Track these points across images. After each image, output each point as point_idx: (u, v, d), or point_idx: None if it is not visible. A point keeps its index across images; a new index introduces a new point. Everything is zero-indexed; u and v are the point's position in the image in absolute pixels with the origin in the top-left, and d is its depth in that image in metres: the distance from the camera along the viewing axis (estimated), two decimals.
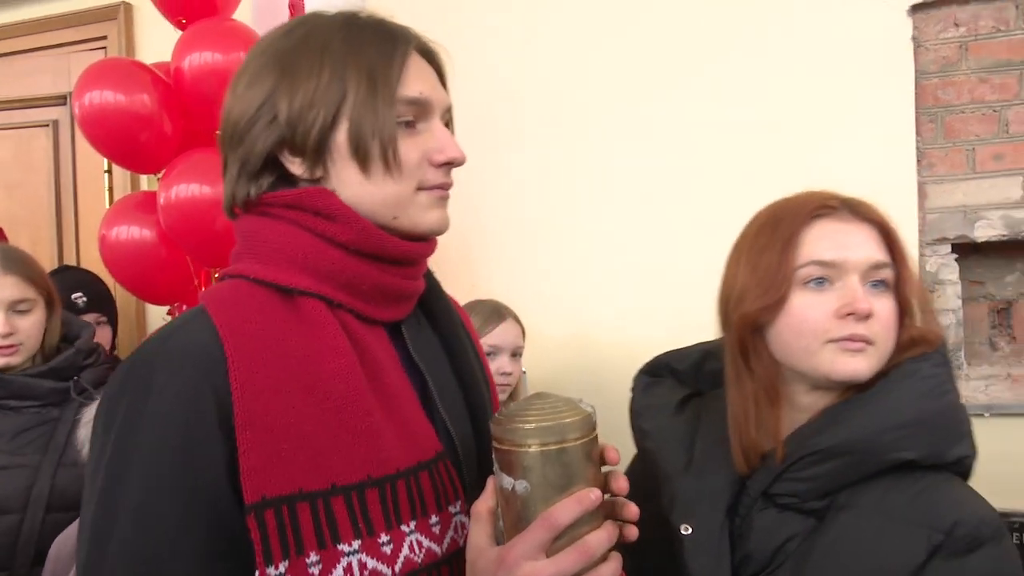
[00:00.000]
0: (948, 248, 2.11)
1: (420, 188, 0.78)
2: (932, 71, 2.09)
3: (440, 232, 0.81)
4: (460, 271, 2.37)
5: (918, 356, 0.89)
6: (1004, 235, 2.05)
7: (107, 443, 0.67)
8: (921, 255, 2.10)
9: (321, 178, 0.77)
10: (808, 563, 0.83)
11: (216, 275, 2.01)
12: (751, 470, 0.91)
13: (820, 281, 0.89)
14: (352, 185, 0.76)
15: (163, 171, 2.03)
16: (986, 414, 2.03)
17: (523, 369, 1.94)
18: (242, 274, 0.77)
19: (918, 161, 2.10)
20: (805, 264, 0.90)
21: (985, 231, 2.07)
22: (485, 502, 0.70)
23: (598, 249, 2.29)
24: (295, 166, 0.77)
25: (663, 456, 0.97)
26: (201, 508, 0.66)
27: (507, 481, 0.68)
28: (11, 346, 1.63)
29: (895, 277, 0.91)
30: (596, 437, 0.70)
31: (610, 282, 2.27)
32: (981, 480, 2.03)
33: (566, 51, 2.34)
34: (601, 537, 0.67)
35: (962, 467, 0.88)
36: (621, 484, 0.71)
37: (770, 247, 0.92)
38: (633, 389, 1.07)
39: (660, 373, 1.08)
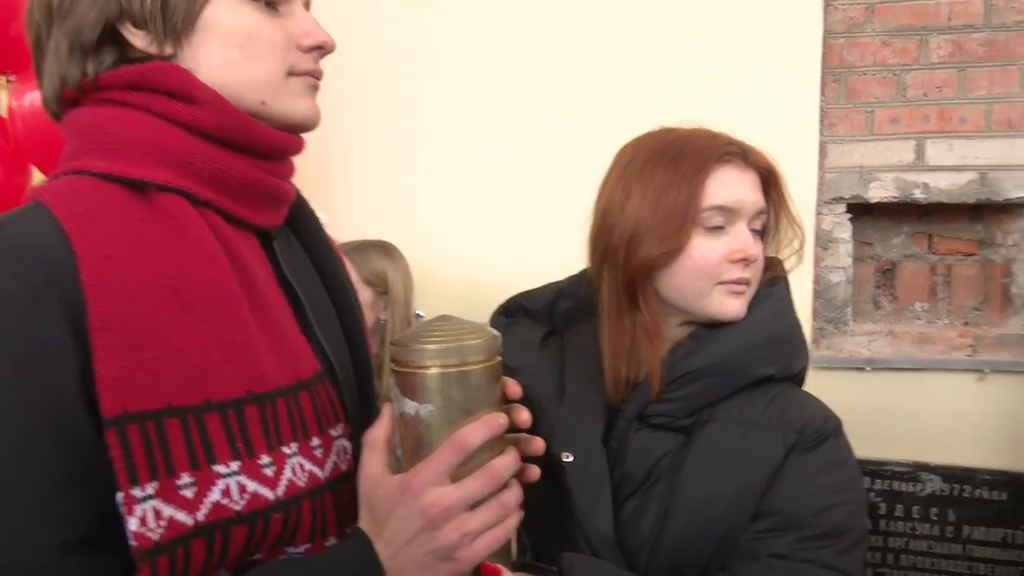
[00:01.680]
0: (843, 208, 2.17)
1: (291, 73, 0.70)
2: (839, 31, 2.12)
3: (312, 125, 0.73)
4: (343, 210, 2.28)
5: (769, 281, 0.96)
6: (895, 197, 2.12)
7: None
8: (818, 213, 2.16)
9: (172, 56, 0.67)
10: (682, 473, 0.89)
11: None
12: (623, 398, 0.94)
13: (718, 224, 0.91)
14: (213, 63, 0.67)
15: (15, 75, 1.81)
16: (867, 368, 2.13)
17: (419, 312, 1.89)
18: (81, 170, 0.66)
19: (821, 120, 2.13)
20: (708, 209, 0.91)
21: (878, 192, 2.14)
22: (380, 429, 0.66)
23: (489, 189, 2.25)
24: (139, 39, 0.66)
25: (537, 390, 0.97)
26: (50, 428, 0.57)
27: (409, 405, 0.65)
28: None
29: (767, 219, 0.96)
30: (500, 362, 0.68)
31: (503, 224, 2.24)
32: (861, 429, 2.12)
33: None
34: (507, 462, 0.65)
35: (801, 376, 0.97)
36: (524, 416, 0.68)
37: (673, 187, 0.90)
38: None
39: (515, 314, 1.10)
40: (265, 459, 0.64)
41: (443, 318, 0.70)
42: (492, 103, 2.23)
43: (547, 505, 0.91)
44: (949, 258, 2.26)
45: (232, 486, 0.62)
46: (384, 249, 1.88)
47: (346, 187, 2.31)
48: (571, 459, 0.92)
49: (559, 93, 2.19)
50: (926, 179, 2.11)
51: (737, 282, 0.92)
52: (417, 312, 1.91)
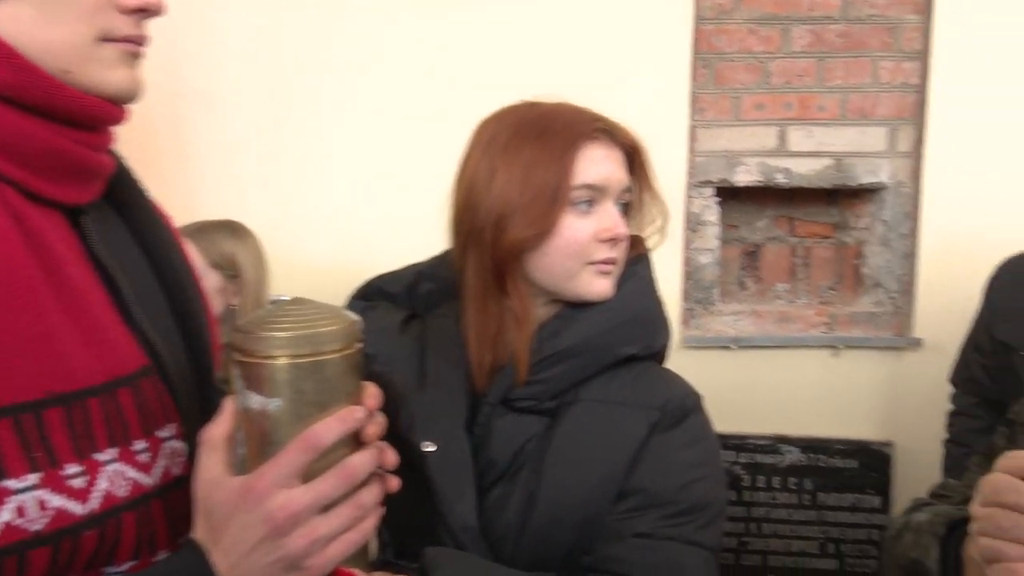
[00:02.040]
0: (712, 191, 2.23)
1: (104, 39, 0.61)
2: (709, 17, 2.17)
3: (129, 97, 0.64)
4: (191, 191, 2.14)
5: (633, 259, 0.95)
6: (759, 181, 2.20)
7: None
8: (688, 196, 2.21)
9: None
10: (546, 457, 0.88)
11: None
12: (488, 383, 0.92)
13: (587, 203, 0.90)
14: (4, 24, 0.57)
15: None
16: (733, 346, 2.21)
17: (281, 296, 1.79)
18: None
19: (691, 105, 2.18)
20: (578, 187, 0.89)
21: (743, 176, 2.21)
22: (220, 427, 0.60)
23: (352, 168, 2.17)
24: None
25: (396, 377, 0.93)
26: None
27: (254, 400, 0.59)
28: None
29: (631, 198, 0.96)
30: (361, 350, 0.63)
31: (367, 205, 2.17)
32: (727, 405, 2.20)
33: None
34: (364, 459, 0.59)
35: (662, 354, 0.97)
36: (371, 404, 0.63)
37: (542, 165, 0.88)
38: None
39: (373, 297, 1.04)
40: (73, 469, 0.56)
41: (296, 301, 0.63)
42: (355, 80, 2.14)
43: (408, 498, 0.86)
44: (808, 240, 2.37)
45: (28, 503, 0.53)
46: (231, 229, 1.75)
47: (198, 165, 2.16)
48: (433, 448, 0.88)
49: (426, 70, 2.13)
50: (788, 164, 2.20)
51: (606, 262, 0.91)
52: (279, 297, 1.80)
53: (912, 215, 2.18)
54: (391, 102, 2.14)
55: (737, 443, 2.21)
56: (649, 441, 0.88)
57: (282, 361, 0.58)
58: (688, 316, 2.25)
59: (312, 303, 0.63)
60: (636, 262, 0.96)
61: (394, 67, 2.13)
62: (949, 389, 1.89)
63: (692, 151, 2.20)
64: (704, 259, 2.25)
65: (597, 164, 0.89)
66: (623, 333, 0.91)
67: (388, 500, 0.64)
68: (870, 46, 2.16)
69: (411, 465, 0.88)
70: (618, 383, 0.91)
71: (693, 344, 2.20)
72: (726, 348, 2.21)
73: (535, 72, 2.05)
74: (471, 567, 0.84)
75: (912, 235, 2.18)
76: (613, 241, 0.90)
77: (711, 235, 2.24)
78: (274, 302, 1.73)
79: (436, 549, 0.83)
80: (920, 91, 2.15)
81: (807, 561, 2.18)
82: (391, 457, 0.63)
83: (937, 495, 0.99)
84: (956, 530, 0.80)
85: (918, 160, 2.15)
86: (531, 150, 0.88)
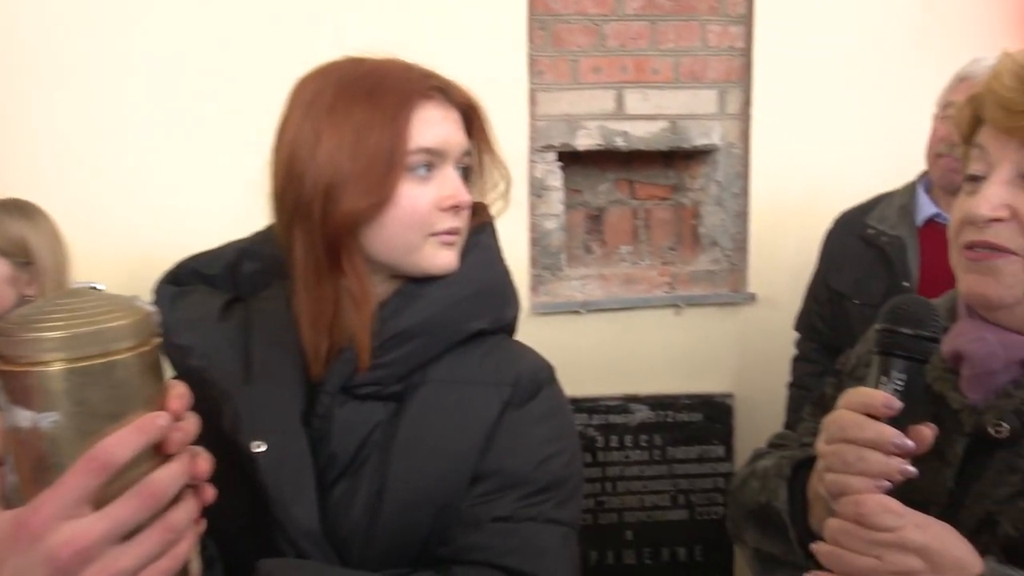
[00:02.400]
0: (554, 156, 2.21)
1: None
2: None
3: None
4: None
5: (476, 228, 0.89)
6: (600, 145, 2.21)
7: None
8: (531, 161, 2.18)
9: None
10: (394, 445, 0.81)
11: None
12: (324, 370, 0.83)
13: (426, 169, 0.82)
14: None
15: None
16: (582, 311, 2.22)
17: (94, 285, 1.60)
18: None
19: (529, 67, 2.14)
20: (416, 151, 0.81)
21: (584, 141, 2.21)
22: None
23: (158, 144, 1.97)
24: None
25: (217, 371, 0.83)
26: None
27: (22, 416, 0.48)
28: None
29: (471, 162, 0.89)
30: (159, 346, 0.54)
31: (175, 184, 1.98)
32: (578, 369, 2.21)
33: None
34: (171, 473, 0.50)
35: (512, 327, 0.92)
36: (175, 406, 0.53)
37: (375, 127, 0.79)
38: (158, 303, 0.88)
39: (187, 281, 0.92)
40: None
41: (73, 293, 0.52)
42: (162, 42, 1.93)
43: (238, 506, 0.76)
44: (648, 203, 2.42)
45: None
46: (21, 210, 1.52)
47: None
48: (263, 448, 0.78)
49: (241, 26, 1.95)
50: (626, 127, 2.21)
51: (449, 232, 0.84)
52: (92, 286, 1.60)
53: (743, 175, 2.27)
54: (201, 64, 1.95)
55: (590, 406, 2.23)
56: (502, 419, 0.83)
57: (56, 367, 0.48)
58: (536, 283, 2.24)
59: (94, 294, 0.52)
60: (480, 231, 0.89)
61: (205, 23, 1.94)
62: (782, 340, 1.99)
63: (533, 115, 2.17)
64: (550, 225, 2.23)
65: (434, 126, 0.81)
66: (470, 307, 0.85)
67: (214, 510, 0.56)
68: (698, 10, 2.21)
69: (240, 469, 0.78)
70: (467, 361, 0.85)
71: (542, 311, 2.19)
72: (575, 313, 2.22)
73: (360, 30, 1.93)
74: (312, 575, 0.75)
75: (744, 194, 2.27)
76: (456, 209, 0.83)
77: (556, 200, 2.23)
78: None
79: (272, 561, 0.74)
80: (746, 55, 2.23)
81: (660, 514, 2.26)
82: (204, 465, 0.54)
83: (775, 445, 1.02)
84: (801, 470, 0.82)
85: (747, 122, 2.24)
86: (361, 111, 0.79)
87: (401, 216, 0.80)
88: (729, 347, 2.29)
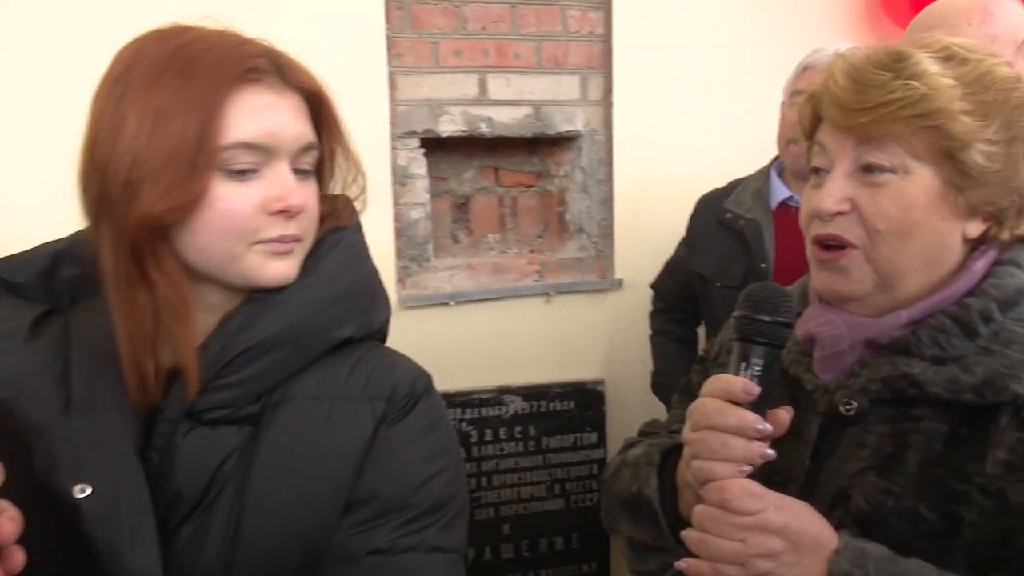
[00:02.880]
0: (417, 142, 2.12)
1: None
2: None
3: None
4: None
5: (337, 225, 0.81)
6: (464, 131, 2.14)
7: None
8: (393, 148, 2.08)
9: None
10: (252, 474, 0.71)
11: None
12: (159, 393, 0.72)
13: (248, 168, 0.71)
14: None
15: None
16: (451, 302, 2.15)
17: None
18: None
19: (388, 50, 2.04)
20: (232, 146, 0.69)
21: (448, 127, 2.13)
22: None
23: None
24: None
25: (26, 401, 0.70)
26: None
27: None
28: None
29: (321, 155, 0.79)
30: None
31: None
32: (450, 363, 2.14)
33: None
34: None
35: (383, 332, 0.85)
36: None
37: (179, 113, 0.67)
38: None
39: None
40: None
41: None
42: None
43: (60, 566, 0.64)
44: (514, 190, 2.38)
45: None
46: None
47: None
48: (88, 492, 0.66)
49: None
50: (490, 113, 2.16)
51: (280, 240, 0.73)
52: None
53: (607, 162, 2.27)
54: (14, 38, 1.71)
55: (463, 400, 2.17)
56: (376, 438, 0.75)
57: None
58: (403, 275, 2.15)
59: None
60: (341, 228, 0.80)
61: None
62: (650, 308, 2.10)
63: (393, 100, 2.07)
64: (415, 214, 2.15)
65: (258, 115, 0.70)
66: (335, 313, 0.76)
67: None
68: None
69: (60, 519, 0.66)
70: (334, 373, 0.76)
71: (411, 304, 2.10)
72: (444, 305, 2.15)
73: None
74: None
75: (609, 181, 2.28)
76: (286, 213, 0.72)
77: (420, 188, 2.14)
78: None
79: None
80: (606, 40, 2.22)
81: (536, 505, 2.24)
82: (8, 527, 0.44)
83: (645, 433, 1.03)
84: (670, 457, 0.84)
85: (609, 108, 2.24)
86: (166, 92, 0.67)
87: (215, 221, 0.69)
88: (599, 334, 2.30)
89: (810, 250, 0.81)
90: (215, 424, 0.72)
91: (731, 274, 1.75)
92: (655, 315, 2.09)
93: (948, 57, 0.75)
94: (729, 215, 1.78)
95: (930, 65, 0.73)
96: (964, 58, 0.75)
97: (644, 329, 2.13)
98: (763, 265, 1.70)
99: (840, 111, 0.75)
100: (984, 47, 0.78)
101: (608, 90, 2.24)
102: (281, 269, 0.73)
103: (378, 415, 0.76)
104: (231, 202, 0.69)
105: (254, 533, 0.70)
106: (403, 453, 0.76)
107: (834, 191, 0.76)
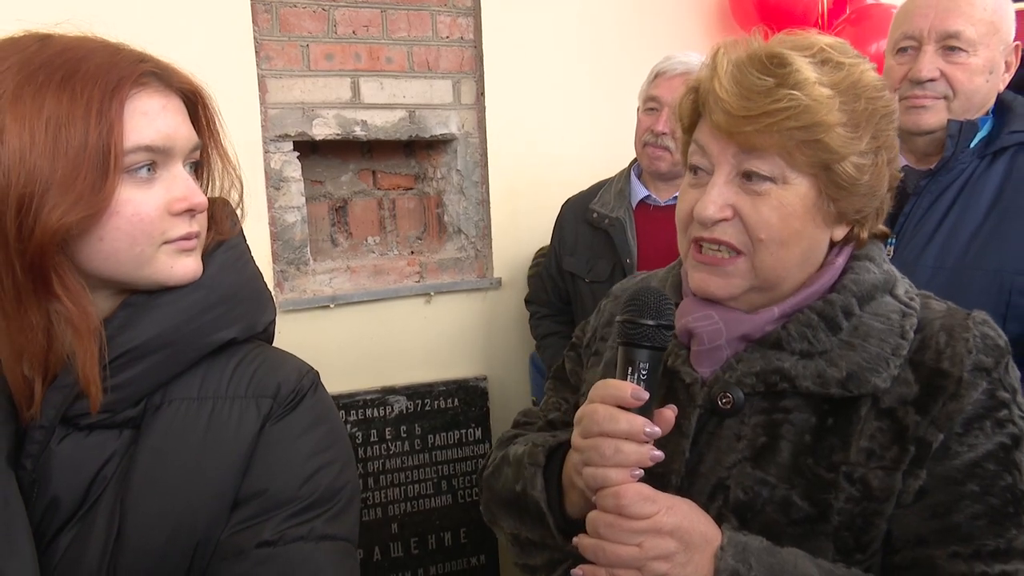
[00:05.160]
0: (290, 146, 2.10)
1: None
2: None
3: None
4: None
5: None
6: (338, 134, 2.14)
7: None
8: (266, 152, 2.05)
9: None
10: (133, 477, 0.71)
11: None
12: (39, 403, 0.71)
13: (148, 169, 0.71)
14: None
15: None
16: (331, 305, 2.15)
17: None
18: None
19: (257, 52, 2.01)
20: (133, 150, 0.69)
21: (321, 130, 2.12)
22: None
23: None
24: None
25: None
26: None
27: None
28: None
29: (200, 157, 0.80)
30: None
31: None
32: (333, 366, 2.13)
33: None
34: None
35: (268, 334, 0.85)
36: None
37: (77, 122, 0.66)
38: None
39: None
40: None
41: None
42: None
43: None
44: (392, 193, 2.40)
45: None
46: None
47: None
48: None
49: None
50: (364, 116, 2.17)
51: (186, 237, 0.74)
52: None
53: (482, 164, 2.33)
54: None
55: (347, 402, 2.17)
56: (262, 435, 0.75)
57: None
58: (281, 279, 2.12)
59: None
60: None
61: None
62: (527, 320, 2.11)
63: (264, 103, 2.04)
64: (291, 217, 2.13)
65: (154, 118, 0.71)
66: (217, 316, 0.76)
67: None
68: (428, 1, 2.22)
69: None
70: (216, 374, 0.76)
71: (290, 307, 2.08)
72: (324, 308, 2.14)
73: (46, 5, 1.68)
74: None
75: (484, 182, 2.34)
76: (190, 212, 0.74)
77: (295, 192, 2.12)
78: None
79: None
80: (476, 46, 2.28)
81: (424, 502, 2.27)
82: None
83: (520, 423, 1.04)
84: (554, 456, 0.85)
85: (482, 111, 2.30)
86: (55, 102, 0.66)
87: (124, 226, 0.69)
88: (479, 332, 2.36)
89: (686, 248, 0.81)
90: (92, 429, 0.72)
91: (599, 270, 1.85)
92: (538, 322, 2.10)
93: (823, 61, 0.75)
94: (595, 215, 1.88)
95: (809, 72, 0.73)
96: (838, 63, 0.75)
97: (522, 324, 2.20)
98: (628, 260, 1.80)
99: (726, 117, 0.74)
100: (852, 48, 0.79)
101: (480, 94, 2.30)
102: (191, 266, 0.75)
103: (264, 412, 0.76)
104: (138, 206, 0.70)
105: (137, 537, 0.69)
106: (290, 448, 0.76)
107: (716, 198, 0.76)
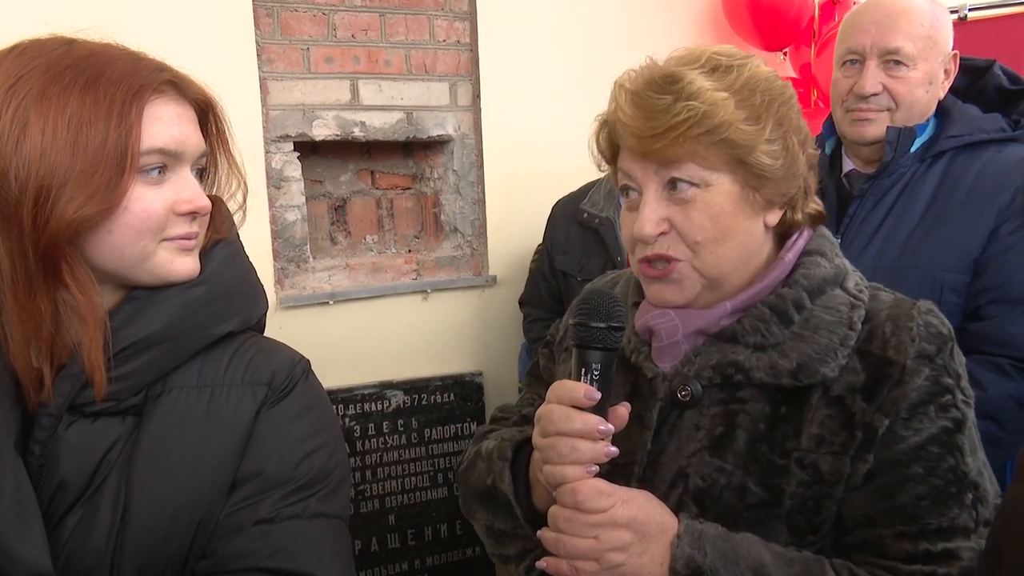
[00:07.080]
0: (291, 146, 2.16)
1: None
2: None
3: None
4: None
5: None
6: (337, 135, 2.19)
7: None
8: (267, 152, 2.11)
9: None
10: (136, 462, 0.75)
11: None
12: (48, 390, 0.75)
13: (159, 171, 0.77)
14: None
15: None
16: (331, 301, 2.20)
17: None
18: None
19: (258, 55, 2.07)
20: (148, 152, 0.75)
21: (321, 131, 2.18)
22: None
23: None
24: None
25: None
26: None
27: None
28: None
29: (206, 163, 0.85)
30: None
31: None
32: (331, 361, 2.19)
33: None
34: None
35: (260, 325, 0.89)
36: None
37: (99, 122, 0.72)
38: None
39: None
40: None
41: None
42: None
43: None
44: (391, 192, 2.45)
45: None
46: None
47: None
48: None
49: None
50: (363, 118, 2.22)
51: (186, 237, 0.79)
52: None
53: (478, 164, 2.39)
54: None
55: (345, 396, 2.23)
56: (258, 420, 0.80)
57: None
58: (281, 276, 2.18)
59: None
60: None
61: None
62: (521, 317, 2.15)
63: (266, 104, 2.10)
64: (291, 216, 2.18)
65: (169, 125, 0.76)
66: (218, 309, 0.81)
67: None
68: (425, 5, 2.27)
69: None
70: (214, 363, 0.81)
71: (290, 304, 2.14)
72: (324, 304, 2.20)
73: (62, 9, 1.73)
74: None
75: (480, 182, 2.39)
76: (193, 215, 0.79)
77: (295, 191, 2.18)
78: None
79: None
80: (472, 49, 2.33)
81: (421, 495, 2.32)
82: None
83: (497, 419, 1.09)
84: (522, 451, 0.89)
85: (477, 113, 2.35)
86: (80, 102, 0.71)
87: (132, 222, 0.75)
88: (475, 328, 2.41)
89: (637, 268, 0.85)
90: (97, 416, 0.76)
91: (591, 269, 1.90)
92: (533, 324, 2.13)
93: (713, 68, 0.79)
94: (586, 215, 1.93)
95: (703, 82, 0.78)
96: (728, 66, 0.80)
97: (517, 321, 2.25)
98: (619, 259, 1.85)
99: (636, 139, 0.79)
100: (739, 50, 0.83)
101: (476, 96, 2.35)
102: (189, 264, 0.79)
103: (259, 399, 0.81)
104: (148, 203, 0.75)
105: (141, 517, 0.74)
106: (284, 432, 0.81)
107: (651, 215, 0.80)
